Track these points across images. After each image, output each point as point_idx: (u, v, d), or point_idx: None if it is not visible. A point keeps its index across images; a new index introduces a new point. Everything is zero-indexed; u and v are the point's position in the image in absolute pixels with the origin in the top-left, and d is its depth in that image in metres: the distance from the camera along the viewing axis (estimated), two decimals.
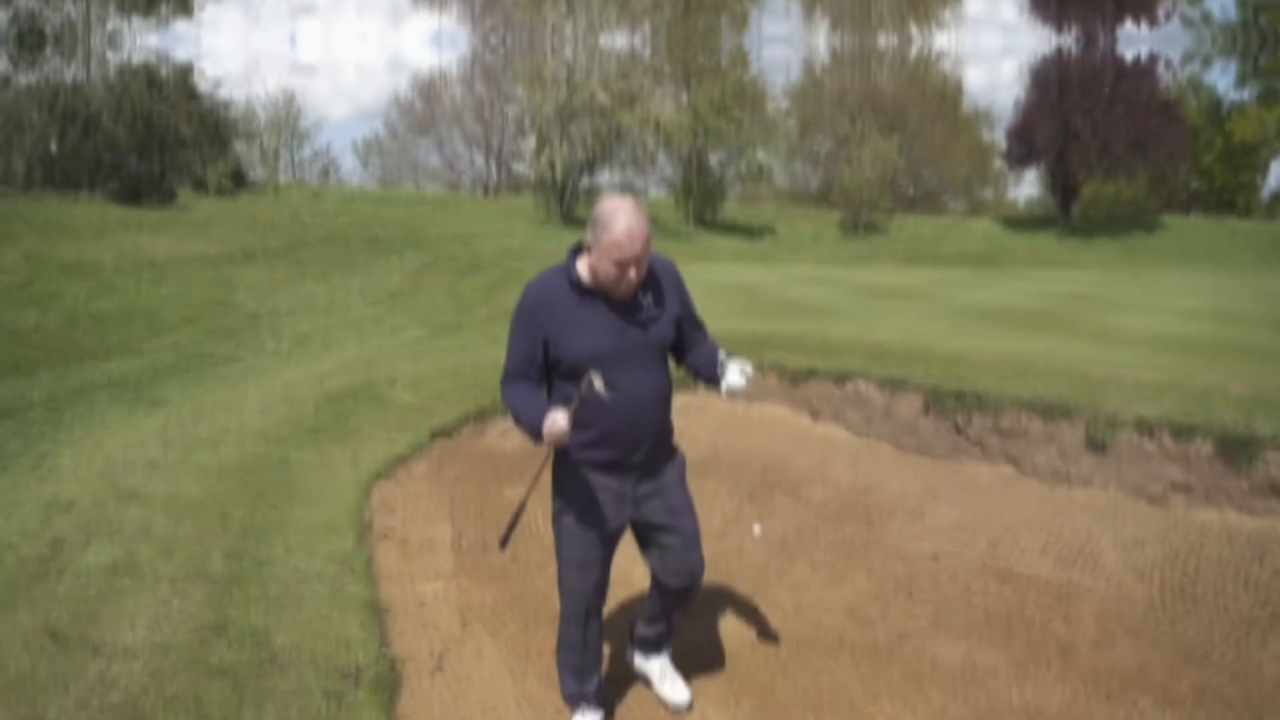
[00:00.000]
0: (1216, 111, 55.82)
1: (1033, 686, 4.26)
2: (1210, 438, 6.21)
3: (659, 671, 4.13)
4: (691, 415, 8.93)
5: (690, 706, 4.00)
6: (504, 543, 3.58)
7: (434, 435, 7.98)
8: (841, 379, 8.36)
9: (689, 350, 3.71)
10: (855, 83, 55.17)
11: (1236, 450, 6.06)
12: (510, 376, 3.47)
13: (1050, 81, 39.57)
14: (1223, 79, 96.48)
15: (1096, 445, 6.66)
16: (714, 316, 14.36)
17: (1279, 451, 5.93)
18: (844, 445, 7.99)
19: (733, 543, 6.05)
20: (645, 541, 3.85)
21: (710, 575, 5.47)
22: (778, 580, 5.47)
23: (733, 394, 3.48)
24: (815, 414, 8.49)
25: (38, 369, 9.58)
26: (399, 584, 5.23)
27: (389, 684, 4.03)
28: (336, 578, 4.97)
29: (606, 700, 3.99)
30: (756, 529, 6.27)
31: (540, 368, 3.44)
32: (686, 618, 4.85)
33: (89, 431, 7.65)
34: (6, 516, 5.43)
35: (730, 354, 3.55)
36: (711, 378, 3.59)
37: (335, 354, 11.48)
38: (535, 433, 3.25)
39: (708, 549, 5.84)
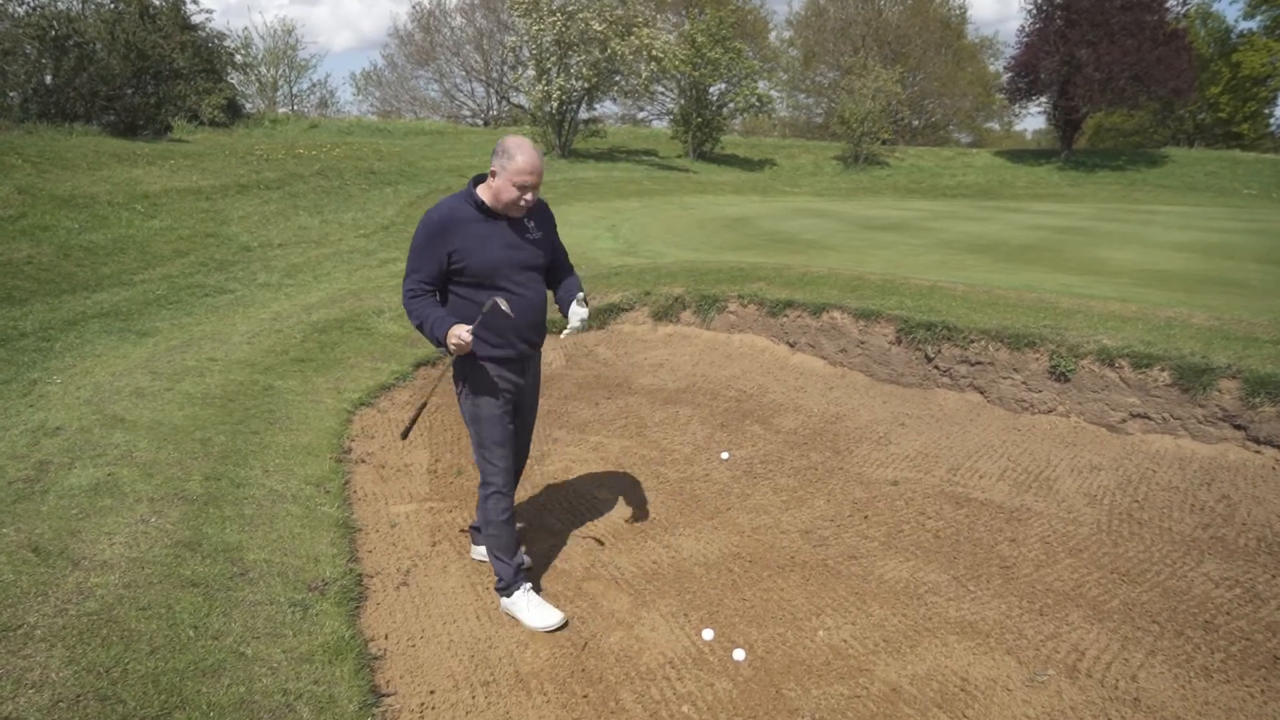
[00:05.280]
0: (1225, 42, 55.00)
1: (971, 602, 4.46)
2: (1168, 367, 6.35)
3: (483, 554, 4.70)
4: (675, 344, 9.11)
5: (529, 567, 4.58)
6: (405, 434, 4.35)
7: (417, 365, 8.15)
8: (818, 310, 8.49)
9: (556, 275, 4.44)
10: (859, 12, 54.52)
11: (1193, 379, 6.21)
12: (415, 290, 4.07)
13: (1054, 11, 38.97)
14: (1232, 9, 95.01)
15: (1059, 374, 6.81)
16: (705, 249, 14.49)
17: (1233, 381, 6.07)
18: (819, 374, 8.14)
19: (700, 469, 6.22)
20: None
21: (674, 498, 5.70)
22: (739, 503, 5.66)
23: (573, 329, 4.20)
24: (792, 344, 8.64)
25: (30, 299, 9.70)
26: (373, 505, 5.43)
27: (354, 596, 4.24)
28: (311, 499, 5.16)
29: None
30: (724, 455, 6.46)
31: (440, 280, 4.08)
32: (644, 540, 5.09)
33: (79, 360, 7.80)
34: None
35: (582, 300, 4.22)
36: (564, 311, 4.30)
37: (325, 286, 11.59)
38: (440, 342, 3.91)
39: (676, 474, 6.10)
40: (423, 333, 4.01)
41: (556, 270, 4.44)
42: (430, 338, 3.97)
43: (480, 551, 4.74)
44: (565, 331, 4.25)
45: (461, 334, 3.85)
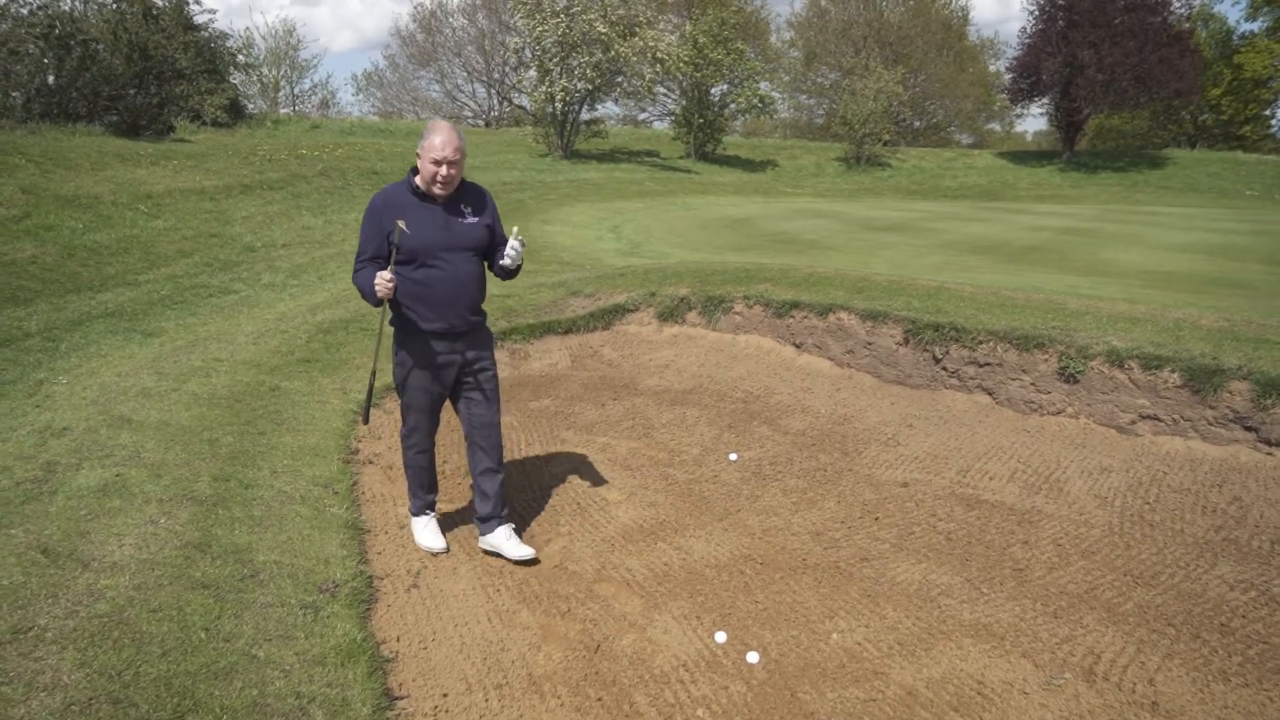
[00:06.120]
0: (1226, 44, 54.96)
1: (985, 604, 4.43)
2: (1178, 368, 6.33)
3: (504, 538, 4.88)
4: (680, 345, 9.09)
5: (536, 559, 4.86)
6: (365, 418, 4.93)
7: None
8: (825, 311, 8.46)
9: (495, 257, 4.77)
10: (861, 13, 54.48)
11: (1203, 380, 6.18)
12: (359, 267, 4.56)
13: (1056, 12, 38.92)
14: (1234, 10, 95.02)
15: (1068, 376, 6.78)
16: (708, 250, 14.49)
17: (1244, 382, 6.04)
18: (825, 375, 8.12)
19: (708, 470, 6.20)
20: (459, 398, 4.87)
21: (683, 500, 5.67)
22: (749, 505, 5.63)
23: (511, 260, 4.63)
24: (799, 345, 8.61)
25: (35, 300, 9.68)
26: (381, 506, 5.40)
27: (365, 598, 4.21)
28: (319, 500, 5.13)
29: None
30: (733, 456, 6.43)
31: (384, 258, 4.46)
32: (654, 542, 5.06)
33: (84, 360, 7.78)
34: (3, 441, 5.56)
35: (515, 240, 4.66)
36: (500, 267, 4.73)
37: (329, 286, 11.56)
38: (373, 294, 4.39)
39: (685, 475, 6.08)
40: (364, 297, 4.50)
41: (495, 255, 4.79)
42: (368, 297, 4.45)
43: (487, 541, 4.92)
44: (510, 250, 4.64)
45: (383, 275, 4.32)
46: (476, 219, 4.66)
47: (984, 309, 7.86)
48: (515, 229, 4.75)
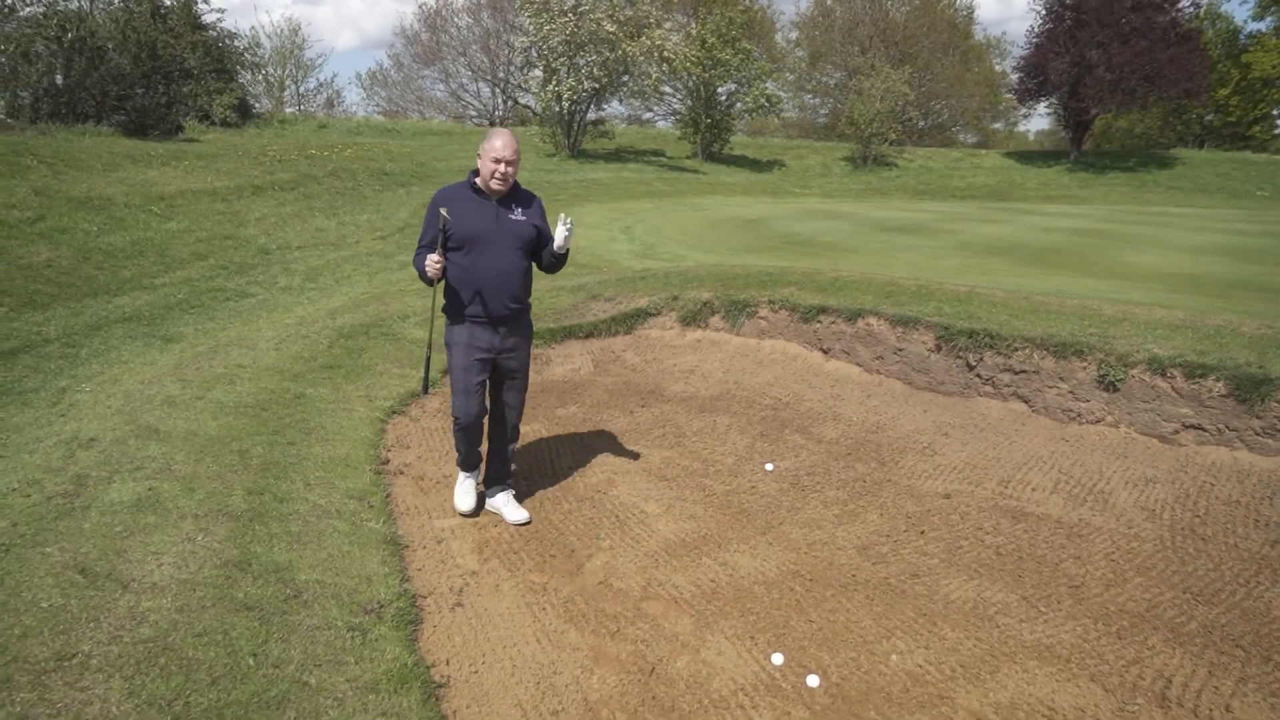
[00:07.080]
0: (1233, 43, 54.79)
1: (1044, 624, 4.31)
2: (1223, 377, 6.21)
3: (503, 502, 5.51)
4: (704, 351, 8.97)
5: (529, 521, 5.42)
6: (425, 389, 5.58)
7: (444, 371, 7.98)
8: (853, 316, 8.34)
9: (541, 255, 5.26)
10: (866, 12, 54.35)
11: (1249, 390, 6.06)
12: (417, 251, 5.11)
13: (1064, 11, 38.76)
14: (1241, 10, 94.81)
15: (1108, 384, 6.67)
16: (723, 251, 14.32)
17: None
18: (855, 382, 8.00)
19: (745, 480, 6.08)
20: (494, 381, 5.37)
21: (723, 512, 5.55)
22: (790, 517, 5.51)
23: (560, 242, 5.07)
24: (826, 351, 8.49)
25: (52, 304, 9.54)
26: (417, 520, 5.28)
27: (411, 618, 4.09)
28: (356, 514, 5.01)
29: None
30: (769, 466, 6.31)
31: (441, 247, 4.93)
32: (698, 557, 4.95)
33: (106, 367, 7.65)
34: (30, 452, 5.45)
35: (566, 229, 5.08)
36: (550, 252, 5.19)
37: (346, 289, 11.43)
38: (424, 274, 4.91)
39: (722, 486, 5.96)
40: (420, 278, 5.06)
41: (541, 252, 5.26)
42: (421, 276, 4.98)
43: (490, 504, 5.58)
44: (559, 234, 5.08)
45: (432, 256, 4.86)
46: (525, 217, 5.12)
47: (1017, 315, 7.74)
48: (564, 215, 5.11)
